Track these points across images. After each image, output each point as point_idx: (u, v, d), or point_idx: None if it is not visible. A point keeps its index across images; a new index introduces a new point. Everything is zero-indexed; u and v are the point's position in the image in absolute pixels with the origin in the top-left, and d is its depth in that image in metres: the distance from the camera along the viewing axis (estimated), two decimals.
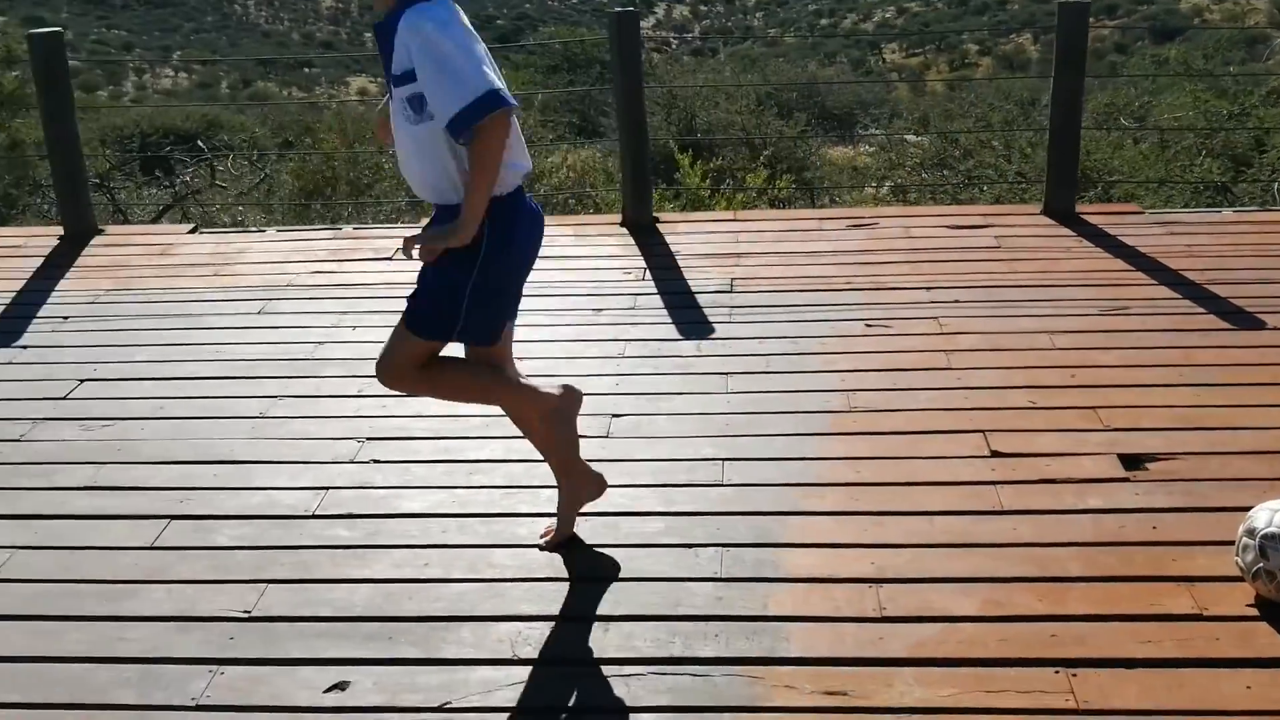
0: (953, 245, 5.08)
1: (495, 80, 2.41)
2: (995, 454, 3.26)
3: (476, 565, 2.83)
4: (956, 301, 4.43)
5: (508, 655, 2.50)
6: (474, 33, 2.49)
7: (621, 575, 2.76)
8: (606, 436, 3.47)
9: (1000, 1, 66.66)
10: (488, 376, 2.76)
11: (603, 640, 2.54)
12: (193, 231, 5.87)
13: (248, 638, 2.59)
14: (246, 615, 2.66)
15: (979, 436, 3.36)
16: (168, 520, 3.09)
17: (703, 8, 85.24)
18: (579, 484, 2.89)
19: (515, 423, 2.91)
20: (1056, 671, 2.37)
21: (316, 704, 2.38)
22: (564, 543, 2.89)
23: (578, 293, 4.75)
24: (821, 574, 2.75)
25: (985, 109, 11.82)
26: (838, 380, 3.81)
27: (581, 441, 3.39)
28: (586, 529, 2.96)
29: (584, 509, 2.95)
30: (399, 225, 6.22)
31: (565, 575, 2.77)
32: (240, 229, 6.12)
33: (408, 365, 2.65)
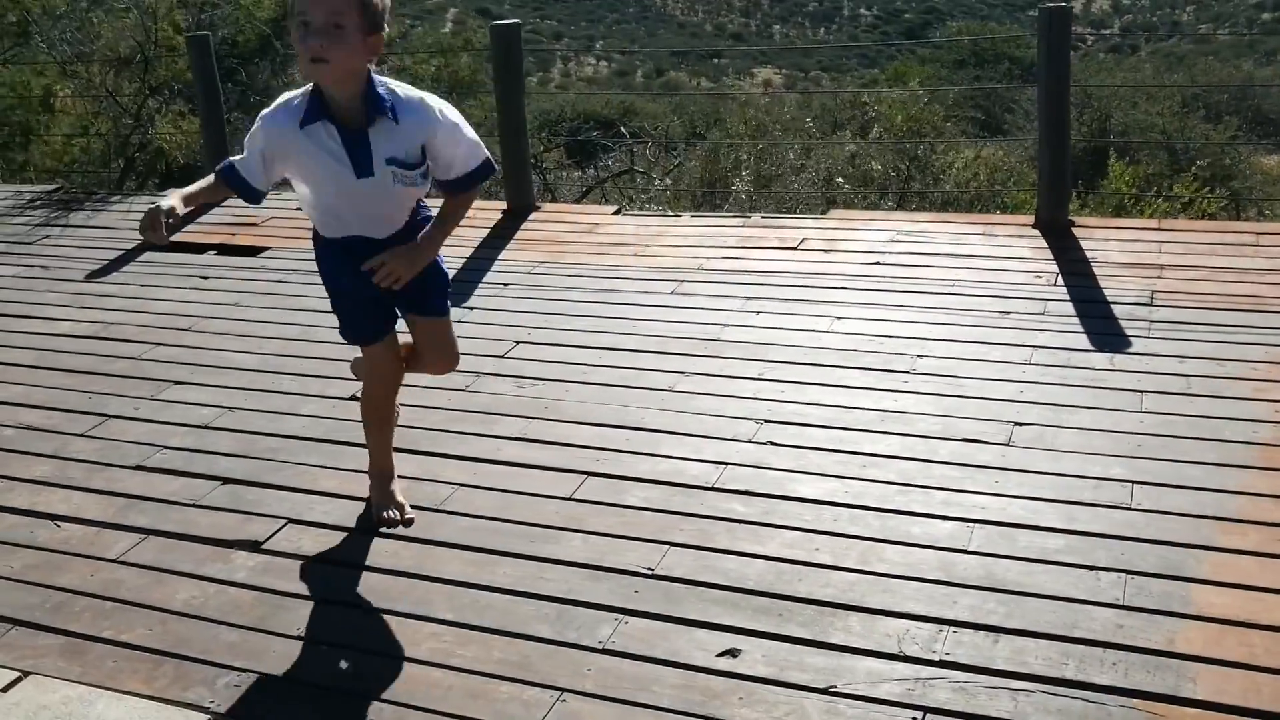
0: None
1: None
2: None
3: (867, 557, 2.88)
4: None
5: (894, 650, 2.53)
6: None
7: (1017, 589, 2.71)
8: (1008, 444, 3.40)
9: None
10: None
11: (991, 650, 2.51)
12: (616, 213, 6.30)
13: (651, 593, 2.78)
14: (650, 572, 2.86)
15: None
16: (585, 476, 3.36)
17: (1125, 1, 79.45)
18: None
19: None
20: None
21: (710, 665, 2.52)
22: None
23: (984, 294, 4.66)
24: (1238, 617, 2.56)
25: None
26: (1268, 410, 3.50)
27: (983, 449, 3.36)
28: (982, 535, 2.93)
29: (979, 513, 2.91)
30: (806, 216, 6.33)
31: (958, 580, 2.76)
32: (659, 212, 6.48)
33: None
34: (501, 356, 4.33)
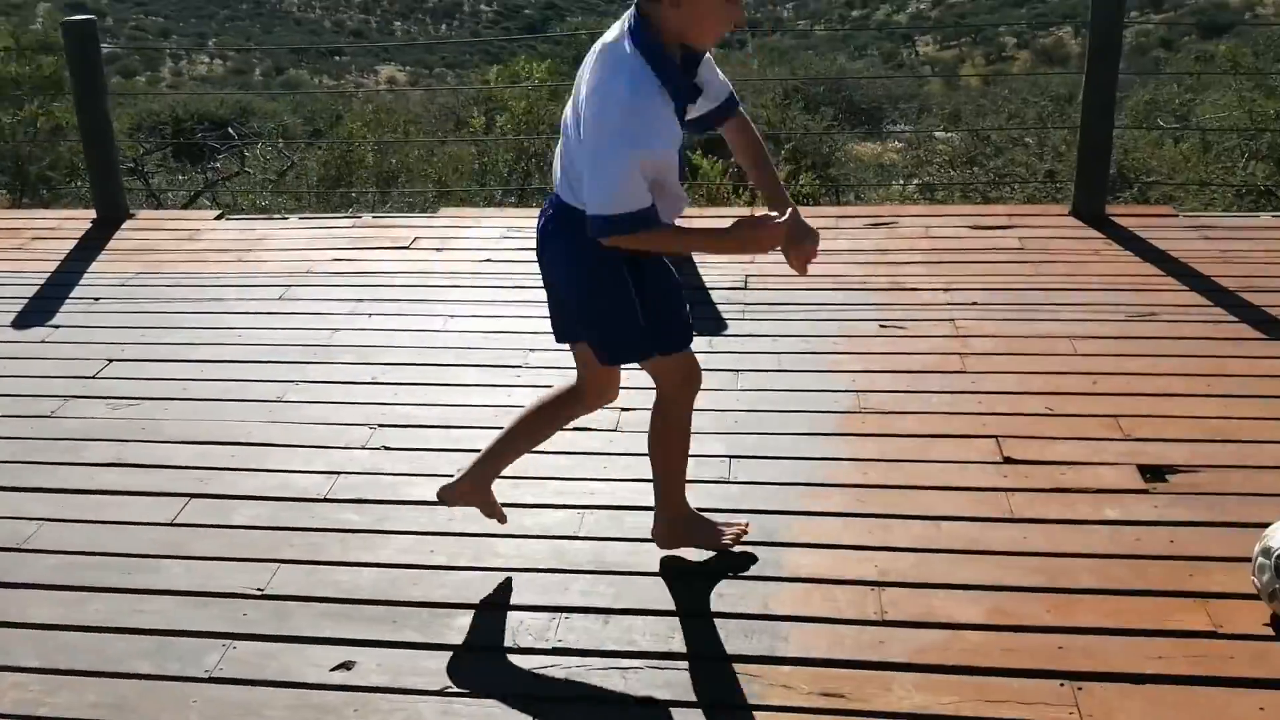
0: (975, 246, 5.03)
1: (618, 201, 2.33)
2: (1008, 460, 3.24)
3: (481, 554, 2.88)
4: (975, 304, 4.39)
5: (510, 644, 2.55)
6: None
7: (625, 569, 2.81)
8: (615, 430, 3.51)
9: None
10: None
11: (601, 633, 2.58)
12: (219, 217, 5.95)
13: (260, 614, 2.66)
14: (259, 593, 2.73)
15: (992, 442, 3.35)
16: (187, 499, 3.16)
17: None
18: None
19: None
20: (1061, 684, 2.36)
21: (323, 681, 2.44)
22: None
23: None
24: (824, 575, 2.77)
25: (1019, 105, 11.60)
26: (848, 380, 3.83)
27: (592, 436, 3.45)
28: (593, 520, 3.01)
29: (588, 499, 3.00)
30: (417, 215, 6.27)
31: (570, 567, 2.82)
32: (265, 215, 6.19)
33: (678, 389, 2.72)
34: (92, 377, 3.98)
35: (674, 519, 2.81)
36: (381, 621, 2.62)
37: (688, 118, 2.48)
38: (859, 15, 73.93)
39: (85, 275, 5.05)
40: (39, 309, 4.67)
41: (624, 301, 2.52)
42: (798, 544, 2.90)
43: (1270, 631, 2.49)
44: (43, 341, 4.34)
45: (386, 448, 3.43)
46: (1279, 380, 3.70)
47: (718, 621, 2.61)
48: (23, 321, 4.55)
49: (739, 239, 2.49)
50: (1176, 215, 5.41)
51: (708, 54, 2.46)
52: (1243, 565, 2.64)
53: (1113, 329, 4.12)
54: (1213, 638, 2.48)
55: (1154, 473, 3.16)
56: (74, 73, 5.74)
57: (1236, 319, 4.16)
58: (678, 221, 2.51)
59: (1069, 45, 53.85)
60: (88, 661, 2.52)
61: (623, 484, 3.18)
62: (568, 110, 2.47)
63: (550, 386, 3.79)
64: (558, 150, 2.52)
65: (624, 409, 3.62)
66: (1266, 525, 2.60)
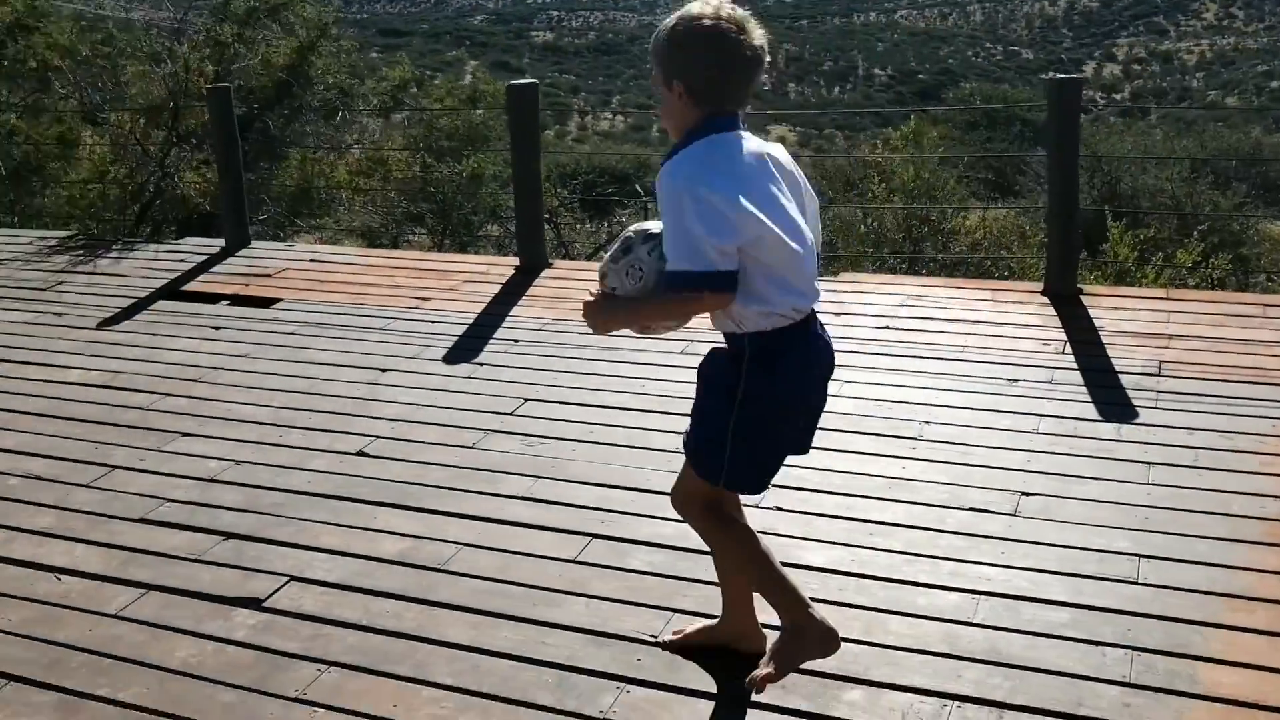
0: None
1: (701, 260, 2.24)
2: None
3: (871, 628, 2.85)
4: None
5: None
6: (743, 175, 2.29)
7: (1021, 663, 2.68)
8: (1014, 514, 3.38)
9: None
10: (757, 557, 2.54)
11: None
12: None
13: (653, 661, 2.76)
14: (653, 640, 2.84)
15: None
16: (589, 538, 3.35)
17: (1135, 67, 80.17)
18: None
19: (720, 576, 2.74)
20: None
21: None
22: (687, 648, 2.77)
23: (992, 360, 4.66)
24: (1247, 697, 2.52)
25: None
26: (1275, 485, 3.48)
27: (990, 519, 3.34)
28: (987, 607, 2.90)
29: (984, 584, 2.89)
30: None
31: (963, 654, 2.73)
32: None
33: (693, 498, 2.60)
34: (510, 414, 4.33)
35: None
36: (771, 688, 2.64)
37: None
38: (1278, 86, 67.58)
39: (507, 318, 5.52)
40: (466, 347, 5.14)
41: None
42: (1216, 660, 2.67)
43: None
44: (469, 378, 4.78)
45: (781, 508, 3.47)
46: None
47: None
48: (452, 358, 5.02)
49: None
50: None
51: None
52: None
53: None
54: None
55: None
56: (514, 132, 6.32)
57: None
58: None
59: None
60: (494, 686, 2.69)
61: (1020, 572, 3.06)
62: (799, 219, 2.37)
63: (945, 462, 3.74)
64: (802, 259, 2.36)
65: (1024, 493, 3.49)
66: None
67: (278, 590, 3.14)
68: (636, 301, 2.40)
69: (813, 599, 2.94)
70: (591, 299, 2.47)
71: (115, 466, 3.98)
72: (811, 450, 3.79)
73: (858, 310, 5.31)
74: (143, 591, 3.16)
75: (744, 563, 2.59)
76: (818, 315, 2.47)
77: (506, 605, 3.03)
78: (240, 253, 6.92)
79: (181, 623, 2.99)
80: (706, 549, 3.21)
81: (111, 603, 3.10)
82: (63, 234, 7.97)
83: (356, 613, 3.02)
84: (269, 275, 6.40)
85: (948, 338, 4.95)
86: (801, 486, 3.61)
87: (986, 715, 2.51)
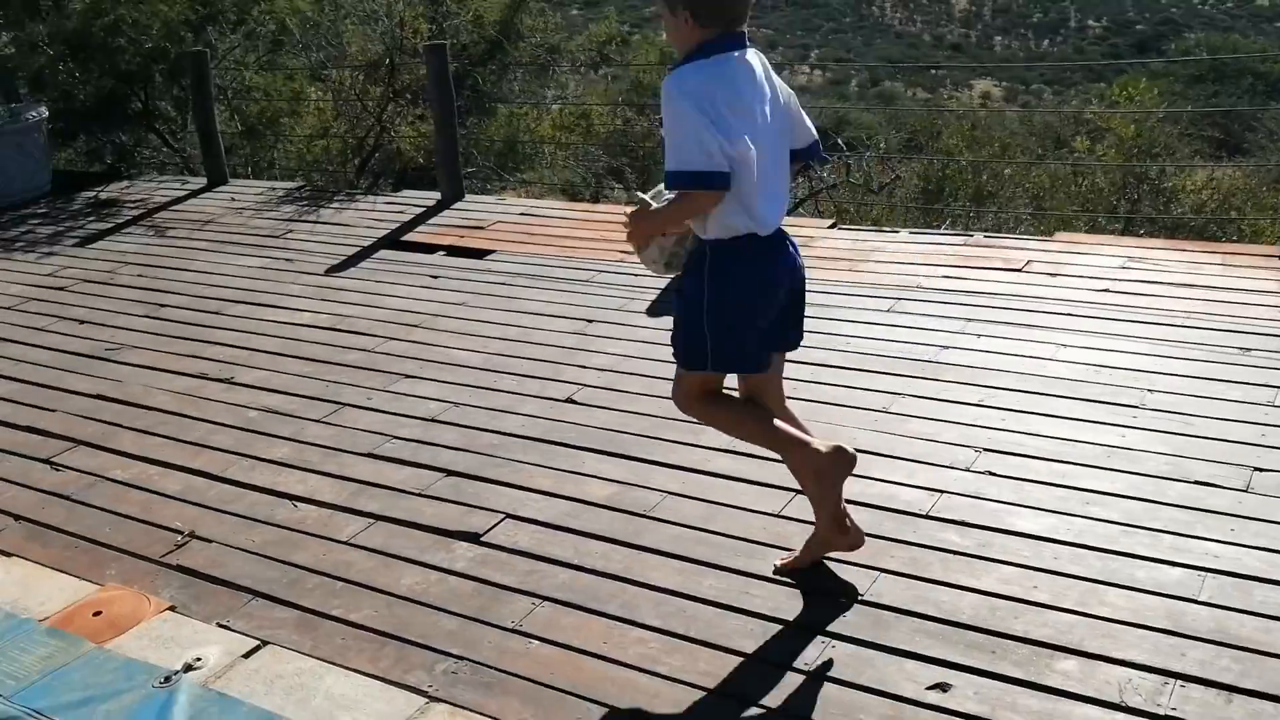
0: None
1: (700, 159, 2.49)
2: None
3: (1087, 599, 2.77)
4: None
5: (1114, 699, 2.43)
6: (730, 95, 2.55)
7: (1254, 646, 2.56)
8: (1245, 490, 3.21)
9: None
10: (757, 420, 2.89)
11: (1224, 711, 2.37)
12: (832, 226, 6.26)
13: (859, 619, 2.76)
14: (860, 598, 2.84)
15: None
16: (792, 494, 3.34)
17: None
18: (837, 533, 2.86)
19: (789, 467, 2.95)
20: None
21: (919, 698, 2.48)
22: (800, 570, 2.95)
23: (1222, 326, 4.41)
24: None
25: None
26: None
27: (1217, 493, 3.18)
28: (1215, 585, 2.77)
29: (1211, 562, 2.77)
30: (1030, 237, 6.15)
31: (1187, 632, 2.62)
32: (876, 228, 6.40)
33: (689, 395, 2.88)
34: None
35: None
36: (980, 649, 2.61)
37: None
38: None
39: None
40: (670, 301, 5.18)
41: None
42: None
43: None
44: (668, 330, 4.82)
45: (992, 473, 3.40)
46: None
47: None
48: (656, 310, 5.09)
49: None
50: None
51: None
52: None
53: None
54: None
55: None
56: None
57: None
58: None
59: None
60: (700, 631, 2.75)
61: (1252, 551, 2.91)
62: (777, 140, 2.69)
63: (1168, 433, 3.58)
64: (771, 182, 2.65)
65: (1257, 469, 3.31)
66: None
67: (494, 526, 3.28)
68: (657, 210, 2.72)
69: (1025, 566, 2.91)
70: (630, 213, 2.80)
71: (344, 404, 4.23)
72: (1023, 414, 3.74)
73: (1075, 271, 5.10)
74: (371, 521, 3.35)
75: (756, 429, 2.91)
76: (786, 235, 2.74)
77: (710, 554, 3.08)
78: (454, 205, 7.17)
79: (407, 552, 3.17)
80: (909, 509, 3.21)
81: (343, 530, 3.31)
82: (291, 185, 8.43)
83: (567, 552, 3.13)
84: (482, 228, 6.62)
85: (1173, 302, 4.70)
86: (1014, 452, 3.52)
87: (1214, 697, 2.41)
